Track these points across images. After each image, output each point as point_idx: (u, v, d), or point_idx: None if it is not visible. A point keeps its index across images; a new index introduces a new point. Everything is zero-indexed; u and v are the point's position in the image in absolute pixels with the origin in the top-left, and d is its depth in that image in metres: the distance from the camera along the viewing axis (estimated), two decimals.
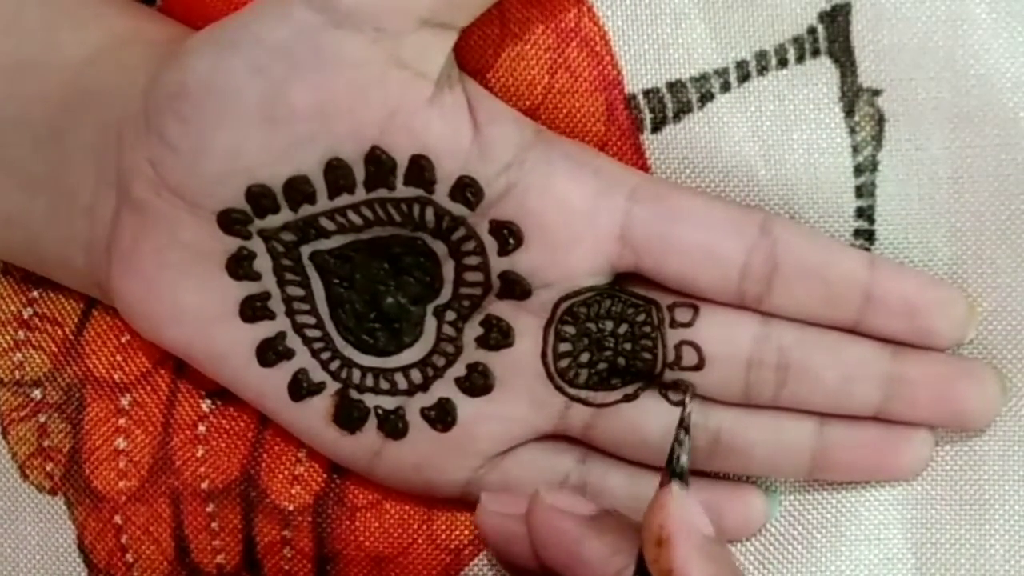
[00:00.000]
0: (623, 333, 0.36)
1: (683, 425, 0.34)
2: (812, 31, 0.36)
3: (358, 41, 0.33)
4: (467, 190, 0.34)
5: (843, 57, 0.36)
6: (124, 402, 0.40)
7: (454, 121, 0.34)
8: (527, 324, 0.36)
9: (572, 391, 0.36)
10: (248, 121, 0.34)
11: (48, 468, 0.41)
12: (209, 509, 0.40)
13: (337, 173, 0.34)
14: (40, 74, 0.37)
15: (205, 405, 0.40)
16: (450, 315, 0.36)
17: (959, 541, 0.37)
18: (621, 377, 0.36)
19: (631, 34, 0.37)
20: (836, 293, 0.35)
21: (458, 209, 0.35)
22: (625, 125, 0.37)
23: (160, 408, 0.40)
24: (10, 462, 0.41)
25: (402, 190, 0.34)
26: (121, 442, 0.40)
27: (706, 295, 0.35)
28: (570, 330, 0.36)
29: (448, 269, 0.36)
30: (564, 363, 0.36)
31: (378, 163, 0.34)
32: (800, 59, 0.36)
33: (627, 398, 0.36)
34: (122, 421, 0.40)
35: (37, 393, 0.41)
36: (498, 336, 0.36)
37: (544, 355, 0.36)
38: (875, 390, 0.35)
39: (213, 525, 0.40)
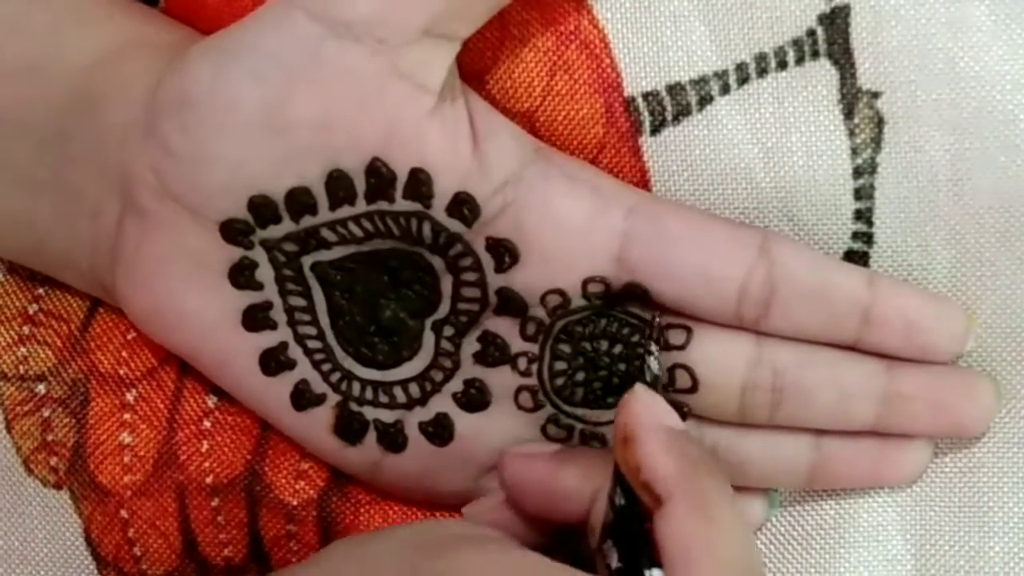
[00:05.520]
0: (618, 353, 0.36)
1: (651, 336, 0.35)
2: (811, 33, 0.36)
3: (359, 52, 0.33)
4: (464, 207, 0.34)
5: (842, 59, 0.35)
6: (129, 397, 0.40)
7: (454, 135, 0.34)
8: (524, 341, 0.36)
9: (568, 408, 0.36)
10: (250, 131, 0.34)
11: (52, 462, 0.41)
12: (214, 503, 0.40)
13: (338, 184, 0.34)
14: (45, 77, 0.37)
15: (211, 401, 0.40)
16: (448, 330, 0.36)
17: (958, 543, 0.37)
18: (617, 395, 0.36)
19: (630, 36, 0.36)
20: (835, 314, 0.35)
21: (455, 225, 0.35)
22: (624, 128, 0.37)
23: (165, 403, 0.40)
24: (15, 456, 0.41)
25: (401, 203, 0.34)
26: (126, 437, 0.40)
27: (703, 317, 0.35)
28: (566, 349, 0.36)
29: (446, 284, 0.36)
30: (560, 381, 0.36)
31: (378, 175, 0.34)
32: (799, 61, 0.36)
33: None
34: (127, 416, 0.40)
35: (41, 388, 0.41)
36: (495, 353, 0.36)
37: (540, 373, 0.36)
38: (871, 407, 0.35)
39: (219, 519, 0.40)
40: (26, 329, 0.41)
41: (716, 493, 0.31)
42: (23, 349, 0.41)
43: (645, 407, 0.32)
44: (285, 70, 0.33)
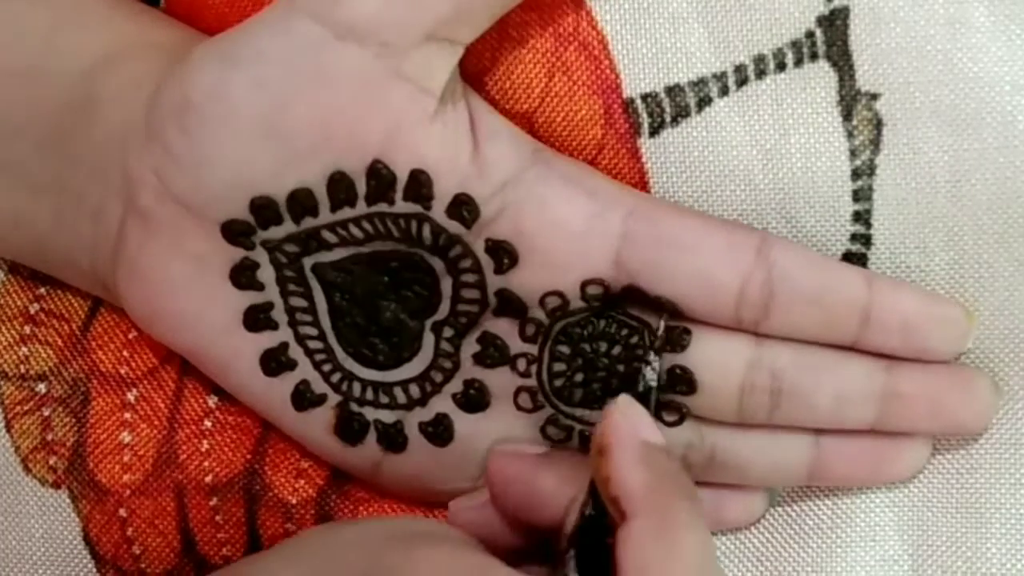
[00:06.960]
0: (616, 355, 0.36)
1: (651, 345, 0.35)
2: (810, 35, 0.36)
3: (361, 55, 0.33)
4: (463, 208, 0.34)
5: (841, 61, 0.35)
6: (130, 396, 0.40)
7: (454, 137, 0.34)
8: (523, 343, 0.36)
9: (567, 409, 0.37)
10: (251, 135, 0.34)
11: (51, 462, 0.41)
12: (213, 503, 0.40)
13: (340, 186, 0.34)
14: (45, 78, 0.37)
15: (211, 401, 0.40)
16: (448, 331, 0.36)
17: (955, 543, 0.37)
18: (616, 396, 0.36)
19: (629, 38, 0.36)
20: (834, 316, 0.35)
21: (454, 227, 0.35)
22: (623, 129, 0.37)
23: (166, 403, 0.40)
24: (13, 456, 0.41)
25: (401, 205, 0.35)
26: (126, 436, 0.41)
27: (702, 319, 0.35)
28: (565, 350, 0.36)
29: (446, 285, 0.36)
30: (559, 382, 0.36)
31: (379, 177, 0.34)
32: (798, 63, 0.36)
33: None
34: (128, 415, 0.40)
35: (42, 387, 0.41)
36: (495, 354, 0.36)
37: (539, 374, 0.36)
38: (870, 408, 0.35)
39: (217, 518, 0.40)
40: (27, 329, 0.41)
41: (683, 515, 0.31)
42: (24, 348, 0.41)
43: (625, 418, 0.32)
44: (287, 75, 0.33)
